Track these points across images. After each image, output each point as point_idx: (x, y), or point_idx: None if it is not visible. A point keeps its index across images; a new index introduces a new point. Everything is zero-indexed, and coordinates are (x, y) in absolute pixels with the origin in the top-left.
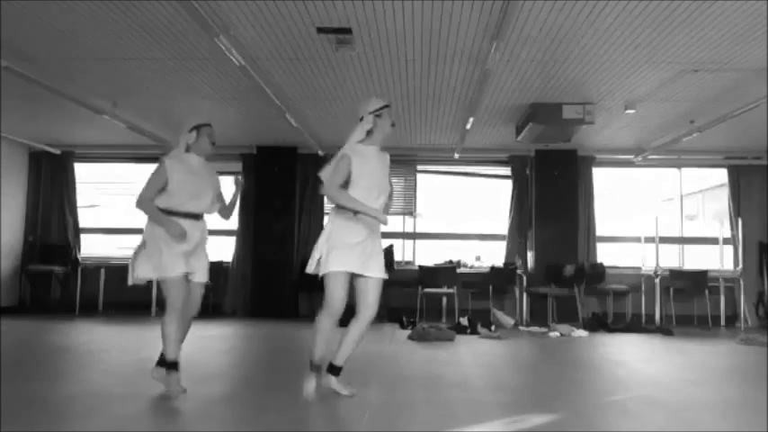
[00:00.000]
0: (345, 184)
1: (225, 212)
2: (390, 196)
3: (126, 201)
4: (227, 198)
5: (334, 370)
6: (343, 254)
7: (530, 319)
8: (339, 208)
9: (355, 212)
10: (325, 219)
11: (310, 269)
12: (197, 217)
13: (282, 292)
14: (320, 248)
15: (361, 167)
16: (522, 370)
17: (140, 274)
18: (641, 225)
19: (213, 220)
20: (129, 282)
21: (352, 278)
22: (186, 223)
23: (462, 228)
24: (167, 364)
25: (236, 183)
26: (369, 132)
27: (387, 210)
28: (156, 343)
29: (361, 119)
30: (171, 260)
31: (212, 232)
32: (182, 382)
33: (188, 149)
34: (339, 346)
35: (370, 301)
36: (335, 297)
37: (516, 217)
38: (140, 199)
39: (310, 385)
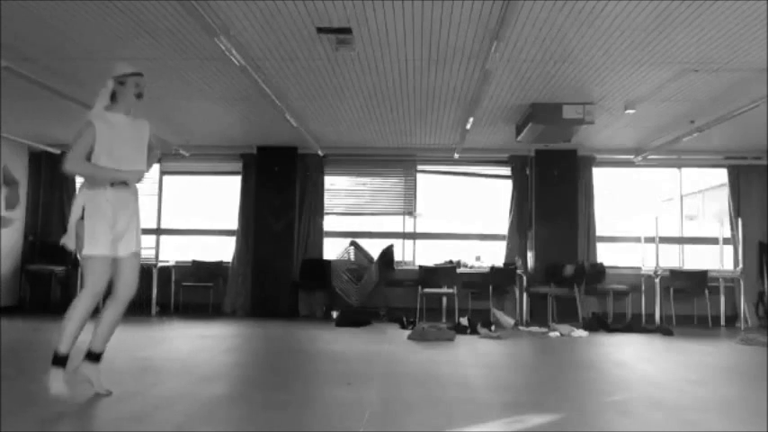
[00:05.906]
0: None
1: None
2: (152, 159)
3: None
4: None
5: (96, 357)
6: (103, 234)
7: (530, 319)
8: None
9: (111, 185)
10: (325, 219)
11: (70, 244)
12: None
13: (282, 292)
14: (77, 226)
15: (104, 137)
16: (522, 370)
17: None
18: (641, 225)
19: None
20: None
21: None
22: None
23: (462, 228)
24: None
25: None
26: (113, 98)
27: (139, 176)
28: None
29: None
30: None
31: (211, 232)
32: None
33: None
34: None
35: (129, 281)
36: (102, 280)
37: (516, 217)
38: None
39: (60, 382)
